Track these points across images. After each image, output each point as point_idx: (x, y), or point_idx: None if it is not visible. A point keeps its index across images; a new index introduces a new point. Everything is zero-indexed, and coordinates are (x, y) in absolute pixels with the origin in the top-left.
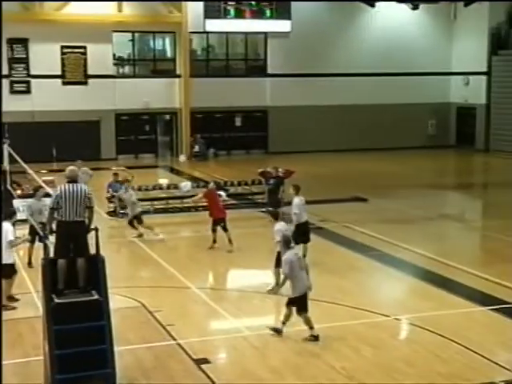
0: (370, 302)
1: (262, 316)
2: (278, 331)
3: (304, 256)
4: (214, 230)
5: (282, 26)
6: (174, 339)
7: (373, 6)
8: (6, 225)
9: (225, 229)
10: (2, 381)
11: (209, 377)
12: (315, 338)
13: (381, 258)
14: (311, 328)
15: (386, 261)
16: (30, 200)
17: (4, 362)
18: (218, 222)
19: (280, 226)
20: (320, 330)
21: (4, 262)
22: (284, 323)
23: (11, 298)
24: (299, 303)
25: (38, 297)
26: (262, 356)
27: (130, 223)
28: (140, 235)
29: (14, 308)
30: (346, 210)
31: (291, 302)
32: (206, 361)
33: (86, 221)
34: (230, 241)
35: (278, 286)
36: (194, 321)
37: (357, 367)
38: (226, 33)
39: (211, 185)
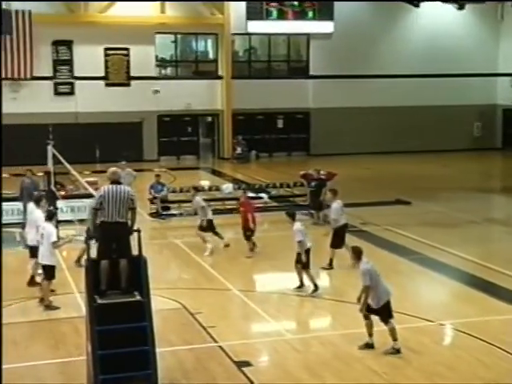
0: (413, 306)
1: (302, 319)
2: (369, 346)
3: (331, 260)
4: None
5: (325, 26)
6: (215, 341)
7: (417, 6)
8: (49, 226)
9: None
10: (1, 381)
11: (249, 379)
12: (397, 351)
13: (423, 262)
14: (395, 340)
15: (428, 264)
16: (89, 200)
17: (48, 361)
18: (247, 231)
19: (298, 226)
20: (363, 334)
21: (48, 263)
22: (371, 335)
23: (42, 300)
24: (383, 312)
25: (80, 297)
26: (303, 359)
27: (202, 229)
28: (211, 252)
29: (57, 308)
30: (388, 213)
31: (373, 311)
32: (247, 363)
33: (129, 222)
34: (251, 249)
35: (303, 286)
36: (235, 323)
37: (398, 372)
38: (268, 34)
39: (242, 194)
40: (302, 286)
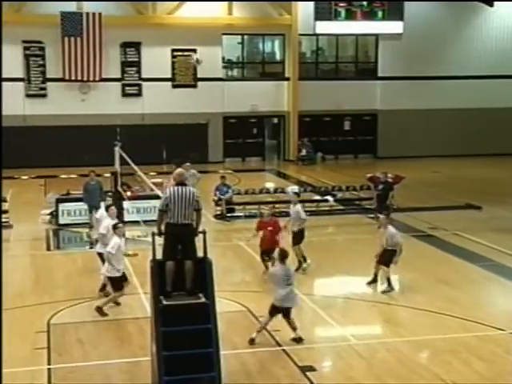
0: (484, 314)
1: (368, 324)
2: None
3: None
4: (264, 259)
5: (394, 27)
6: (279, 345)
7: (491, 5)
8: (116, 239)
9: (269, 257)
10: (1, 381)
11: None
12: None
13: (494, 269)
14: (294, 329)
15: (500, 271)
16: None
17: (114, 361)
18: (267, 252)
19: (393, 229)
20: (430, 341)
21: (111, 275)
22: None
23: (100, 309)
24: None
25: (146, 298)
26: (368, 365)
27: (296, 241)
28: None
29: (106, 314)
30: (458, 218)
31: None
32: (311, 368)
33: (194, 223)
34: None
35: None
36: (300, 327)
37: (467, 381)
38: (336, 35)
39: (266, 213)
40: (375, 281)
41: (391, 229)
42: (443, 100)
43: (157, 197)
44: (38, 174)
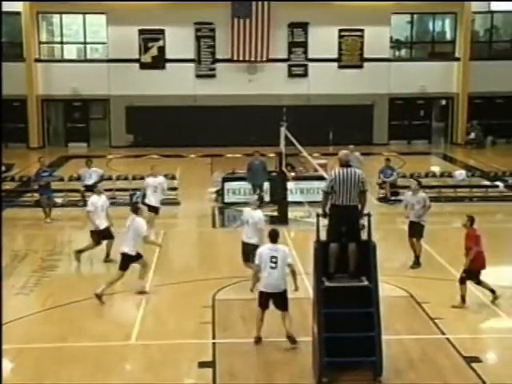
0: None
1: None
2: None
3: None
4: (463, 283)
5: None
6: (443, 333)
7: None
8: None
9: (478, 282)
10: (1, 381)
11: (480, 377)
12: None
13: None
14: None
15: None
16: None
17: (274, 339)
18: (474, 274)
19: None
20: None
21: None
22: None
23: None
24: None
25: (307, 279)
26: None
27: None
28: None
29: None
30: None
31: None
32: (476, 359)
33: (359, 206)
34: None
35: None
36: (465, 316)
37: None
38: None
39: (466, 222)
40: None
41: None
42: None
43: (321, 178)
44: (206, 153)
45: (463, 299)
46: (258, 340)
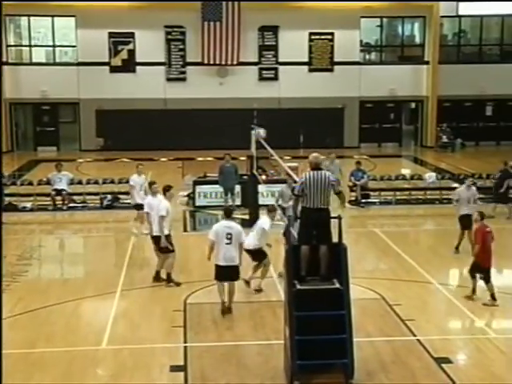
0: None
1: (509, 317)
2: None
3: None
4: (473, 276)
5: None
6: (414, 335)
7: None
8: (265, 219)
9: (486, 280)
10: (1, 381)
11: (450, 378)
12: None
13: None
14: None
15: None
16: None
17: (246, 343)
18: (481, 270)
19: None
20: None
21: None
22: None
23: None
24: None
25: (279, 282)
26: (509, 360)
27: None
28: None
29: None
30: None
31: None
32: (447, 360)
33: (330, 208)
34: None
35: None
36: (436, 317)
37: None
38: (481, 16)
39: (477, 217)
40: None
41: None
42: None
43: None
44: (177, 156)
45: (473, 291)
46: (224, 303)
